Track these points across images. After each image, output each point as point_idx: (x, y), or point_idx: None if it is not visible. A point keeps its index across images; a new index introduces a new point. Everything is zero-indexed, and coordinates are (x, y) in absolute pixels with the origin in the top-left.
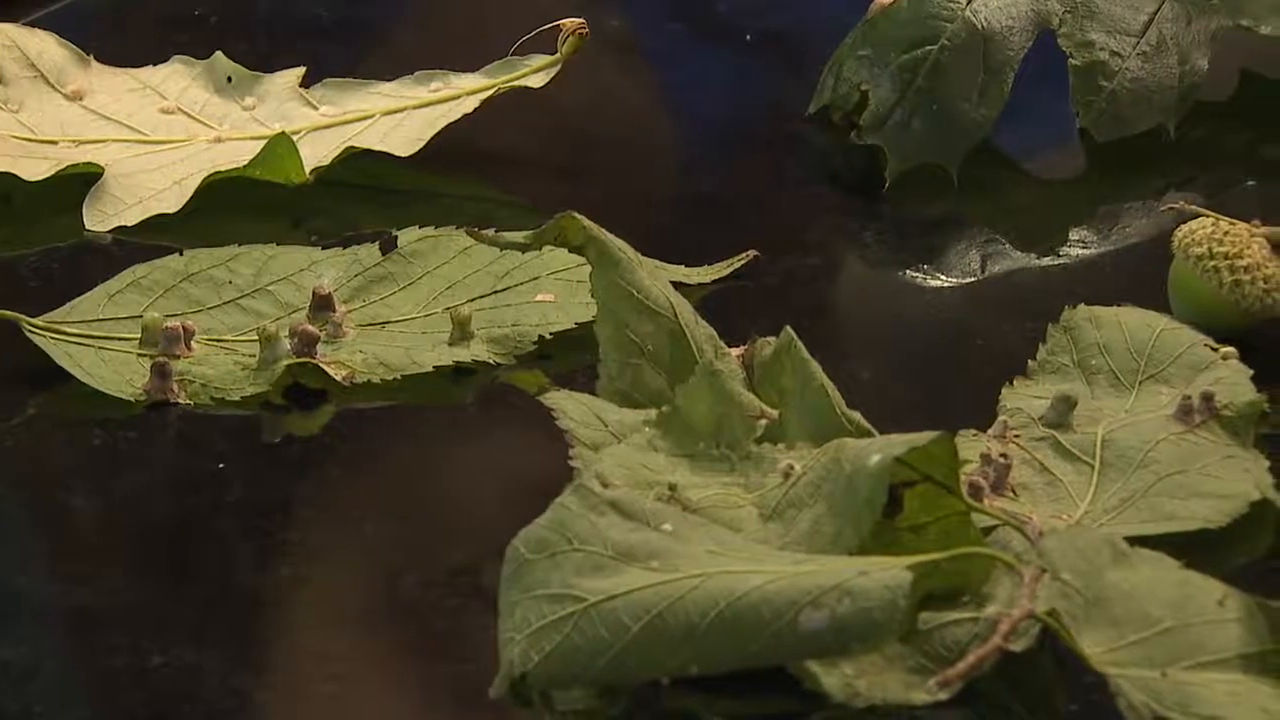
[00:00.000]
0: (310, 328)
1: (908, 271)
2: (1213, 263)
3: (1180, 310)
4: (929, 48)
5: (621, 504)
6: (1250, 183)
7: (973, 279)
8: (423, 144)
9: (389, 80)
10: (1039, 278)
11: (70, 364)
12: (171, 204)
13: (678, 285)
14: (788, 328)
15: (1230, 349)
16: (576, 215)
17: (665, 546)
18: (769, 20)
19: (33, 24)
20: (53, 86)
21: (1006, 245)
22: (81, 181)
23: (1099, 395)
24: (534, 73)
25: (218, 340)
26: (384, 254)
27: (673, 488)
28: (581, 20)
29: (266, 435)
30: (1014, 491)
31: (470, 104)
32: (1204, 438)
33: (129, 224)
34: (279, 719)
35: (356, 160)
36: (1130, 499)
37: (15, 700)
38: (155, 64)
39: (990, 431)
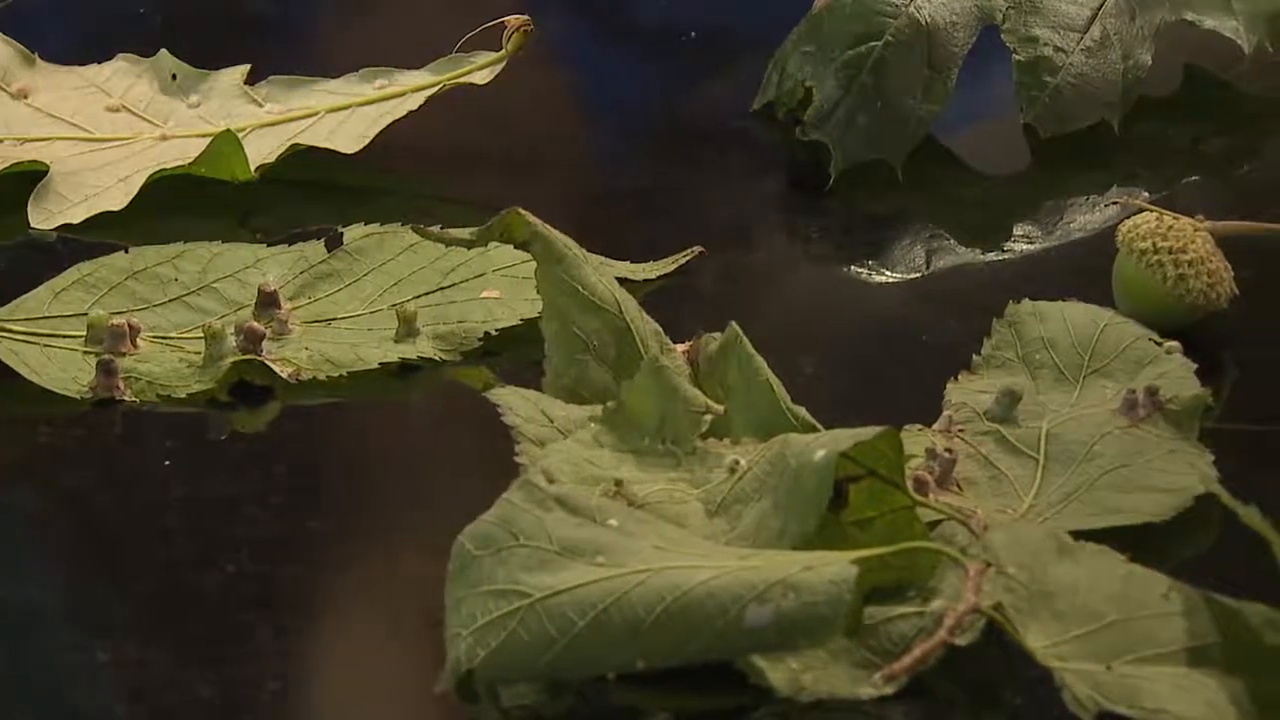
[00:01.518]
0: (256, 325)
1: (853, 267)
2: (1157, 257)
3: (1125, 305)
4: (873, 44)
5: (567, 500)
6: (1194, 178)
7: (917, 274)
8: (368, 141)
9: (334, 78)
10: (984, 273)
11: (15, 361)
12: (117, 201)
13: (623, 281)
14: (733, 323)
15: (1174, 343)
16: (522, 211)
17: (611, 542)
18: (713, 16)
19: None
20: None
21: (951, 241)
22: (27, 179)
23: (1043, 390)
24: (479, 69)
25: (163, 337)
26: (329, 251)
27: (618, 483)
28: (526, 17)
29: (212, 432)
30: (959, 486)
31: (415, 101)
32: (1148, 432)
33: (74, 222)
34: (225, 716)
35: (302, 157)
36: (1075, 493)
37: None
38: (100, 62)
39: (935, 426)
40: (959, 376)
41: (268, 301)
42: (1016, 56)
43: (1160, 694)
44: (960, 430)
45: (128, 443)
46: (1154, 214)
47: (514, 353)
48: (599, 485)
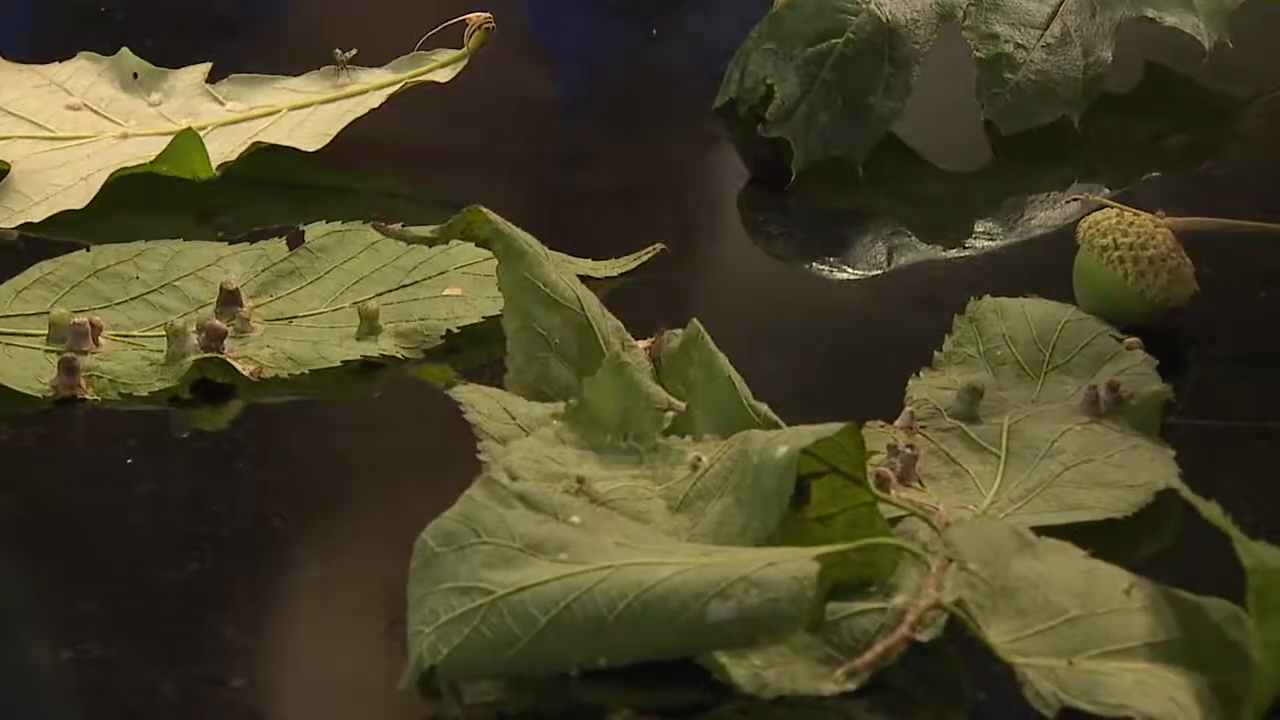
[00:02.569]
0: (218, 323)
1: (814, 264)
2: (1118, 253)
3: (1085, 301)
4: (834, 41)
5: (529, 497)
6: (1155, 174)
7: (879, 271)
8: (329, 139)
9: (295, 75)
10: (945, 270)
11: None
12: (78, 200)
13: (585, 278)
14: (695, 320)
15: (1135, 339)
16: (483, 209)
17: (573, 539)
18: (675, 14)
19: None
20: None
21: (913, 237)
22: None
23: (1005, 386)
24: (441, 67)
25: (125, 336)
26: (291, 249)
27: (581, 480)
28: (488, 15)
29: (174, 431)
30: (921, 482)
31: (377, 99)
32: (1110, 428)
33: (36, 220)
34: (189, 713)
35: (263, 155)
36: (1036, 489)
37: None
38: (61, 61)
39: (897, 423)
40: (920, 373)
41: (229, 299)
42: (977, 53)
43: (1122, 689)
44: (922, 427)
45: (90, 441)
46: (1115, 210)
47: (476, 350)
48: (561, 482)
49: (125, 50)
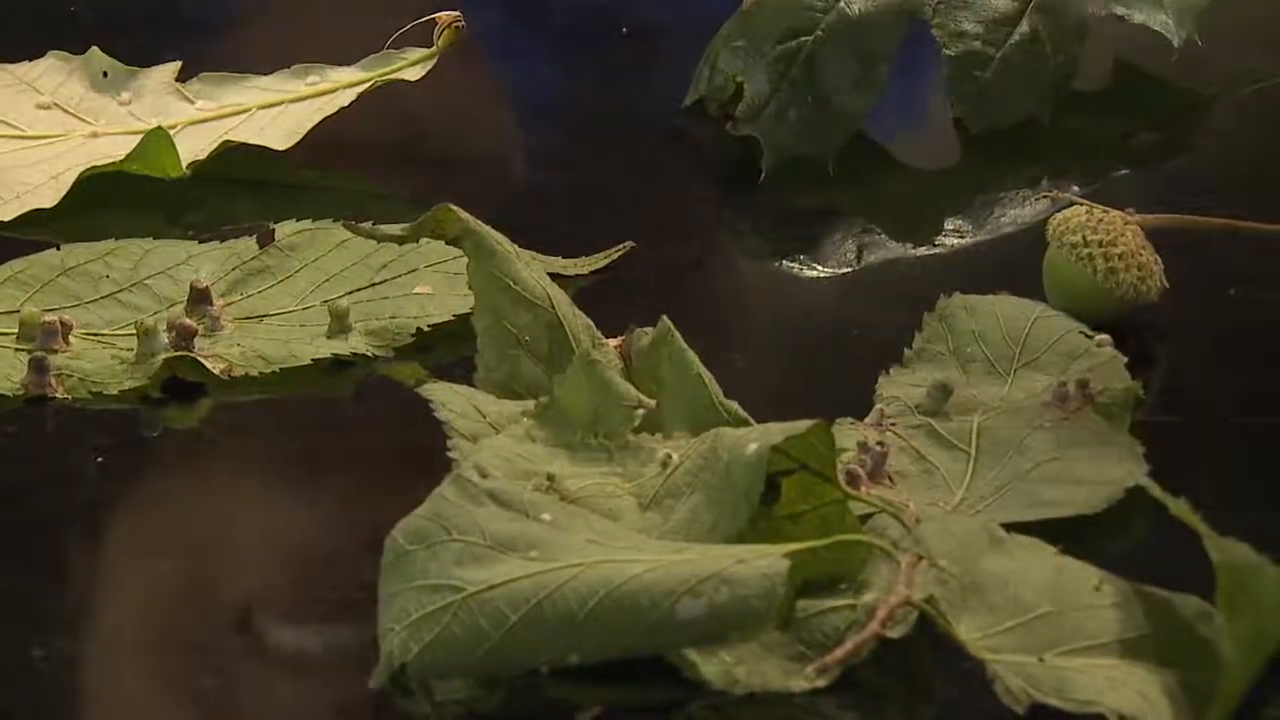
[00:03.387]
0: (188, 321)
1: (784, 262)
2: (1087, 250)
3: (1055, 298)
4: (803, 39)
5: (500, 494)
6: (1124, 171)
7: (849, 269)
8: (300, 137)
9: (265, 74)
10: (915, 267)
11: None
12: (48, 199)
13: (555, 276)
14: (664, 318)
15: (1104, 336)
16: (453, 207)
17: (544, 536)
18: (644, 12)
19: None
20: None
21: (882, 235)
22: None
23: (975, 383)
24: (410, 66)
25: (95, 334)
26: (261, 247)
27: (551, 478)
28: (457, 13)
29: (145, 429)
30: (891, 479)
31: (347, 97)
32: (1079, 425)
33: (6, 219)
34: (159, 713)
35: (233, 154)
36: (1006, 486)
37: None
38: (31, 60)
39: (867, 420)
40: (890, 370)
41: (200, 298)
42: (947, 51)
43: (1092, 685)
44: (892, 424)
45: (60, 440)
46: (1084, 207)
47: (446, 348)
48: (532, 480)
49: (95, 49)
